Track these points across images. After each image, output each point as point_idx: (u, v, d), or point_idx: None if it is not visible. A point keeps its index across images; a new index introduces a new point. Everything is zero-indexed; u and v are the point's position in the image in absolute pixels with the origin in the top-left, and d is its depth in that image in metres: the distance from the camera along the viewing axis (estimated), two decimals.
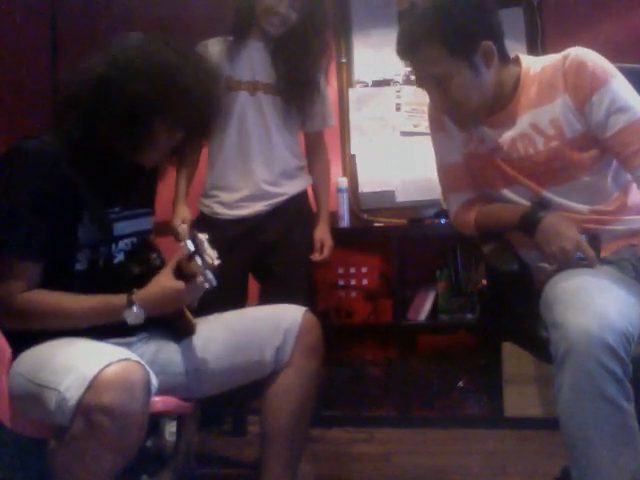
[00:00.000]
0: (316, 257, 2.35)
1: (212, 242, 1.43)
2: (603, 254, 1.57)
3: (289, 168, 2.31)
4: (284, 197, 2.28)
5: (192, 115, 1.43)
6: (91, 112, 1.38)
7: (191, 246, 1.37)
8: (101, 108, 1.36)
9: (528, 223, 1.59)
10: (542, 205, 1.61)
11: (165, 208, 2.15)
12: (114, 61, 1.38)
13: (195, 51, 1.61)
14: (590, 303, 1.33)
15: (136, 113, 1.36)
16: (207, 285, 1.39)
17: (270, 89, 2.25)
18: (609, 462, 1.26)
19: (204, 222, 2.29)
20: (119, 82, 1.36)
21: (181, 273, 1.40)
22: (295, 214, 2.31)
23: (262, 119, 2.25)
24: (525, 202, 1.65)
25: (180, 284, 1.39)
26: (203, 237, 1.39)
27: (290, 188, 2.30)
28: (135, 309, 1.37)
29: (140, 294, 1.39)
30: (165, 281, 1.39)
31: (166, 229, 2.21)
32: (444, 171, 1.83)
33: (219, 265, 1.40)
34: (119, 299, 1.39)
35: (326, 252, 2.36)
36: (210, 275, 1.37)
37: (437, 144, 1.83)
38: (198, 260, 1.36)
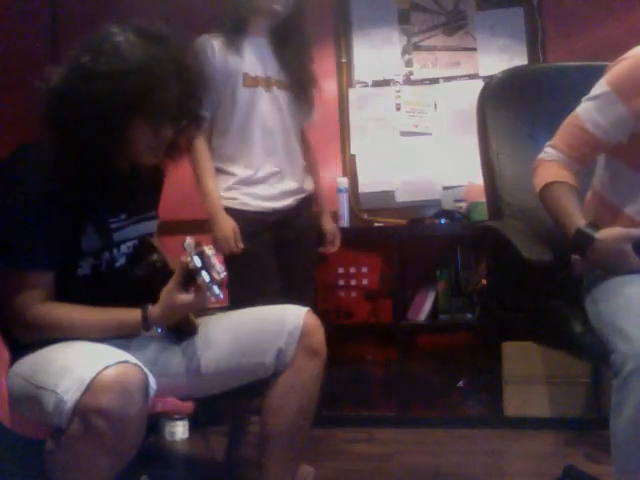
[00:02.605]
0: (329, 249, 2.36)
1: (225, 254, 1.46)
2: None
3: (303, 164, 2.32)
4: (306, 193, 2.30)
5: (168, 107, 1.37)
6: (61, 125, 1.35)
7: (198, 262, 1.39)
8: (69, 119, 1.34)
9: (582, 237, 1.48)
10: (596, 226, 1.50)
11: (169, 207, 2.13)
12: (76, 69, 1.35)
13: (167, 33, 1.43)
14: None
15: (105, 118, 1.33)
16: (213, 299, 1.42)
17: (282, 85, 2.25)
18: None
19: (231, 216, 2.21)
20: (81, 89, 1.32)
21: (187, 282, 1.42)
22: (311, 212, 2.33)
23: (280, 115, 2.25)
24: None
25: (189, 297, 1.40)
26: (210, 252, 1.40)
27: (308, 185, 2.33)
28: (152, 331, 1.41)
29: (154, 314, 1.40)
30: (175, 297, 1.40)
31: (170, 229, 2.19)
32: (575, 126, 1.58)
33: (225, 277, 1.42)
34: (134, 317, 1.40)
35: (337, 243, 2.39)
36: (217, 290, 1.40)
37: (609, 107, 1.55)
38: (205, 276, 1.38)
